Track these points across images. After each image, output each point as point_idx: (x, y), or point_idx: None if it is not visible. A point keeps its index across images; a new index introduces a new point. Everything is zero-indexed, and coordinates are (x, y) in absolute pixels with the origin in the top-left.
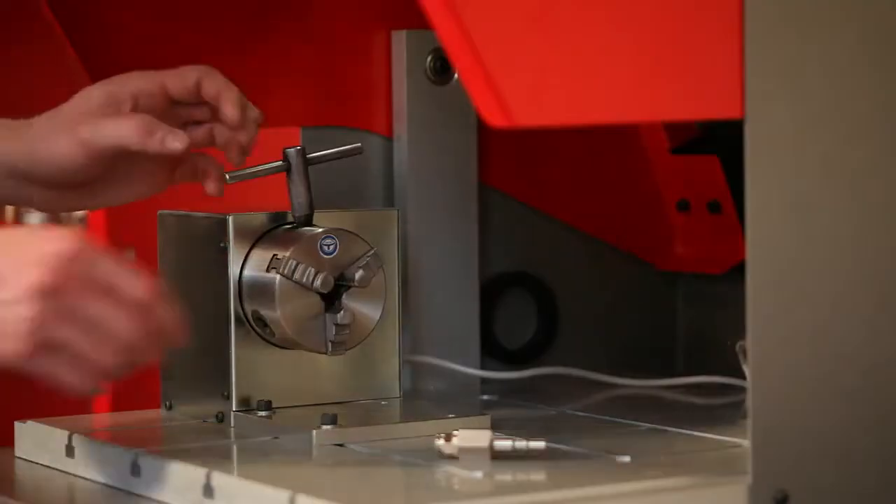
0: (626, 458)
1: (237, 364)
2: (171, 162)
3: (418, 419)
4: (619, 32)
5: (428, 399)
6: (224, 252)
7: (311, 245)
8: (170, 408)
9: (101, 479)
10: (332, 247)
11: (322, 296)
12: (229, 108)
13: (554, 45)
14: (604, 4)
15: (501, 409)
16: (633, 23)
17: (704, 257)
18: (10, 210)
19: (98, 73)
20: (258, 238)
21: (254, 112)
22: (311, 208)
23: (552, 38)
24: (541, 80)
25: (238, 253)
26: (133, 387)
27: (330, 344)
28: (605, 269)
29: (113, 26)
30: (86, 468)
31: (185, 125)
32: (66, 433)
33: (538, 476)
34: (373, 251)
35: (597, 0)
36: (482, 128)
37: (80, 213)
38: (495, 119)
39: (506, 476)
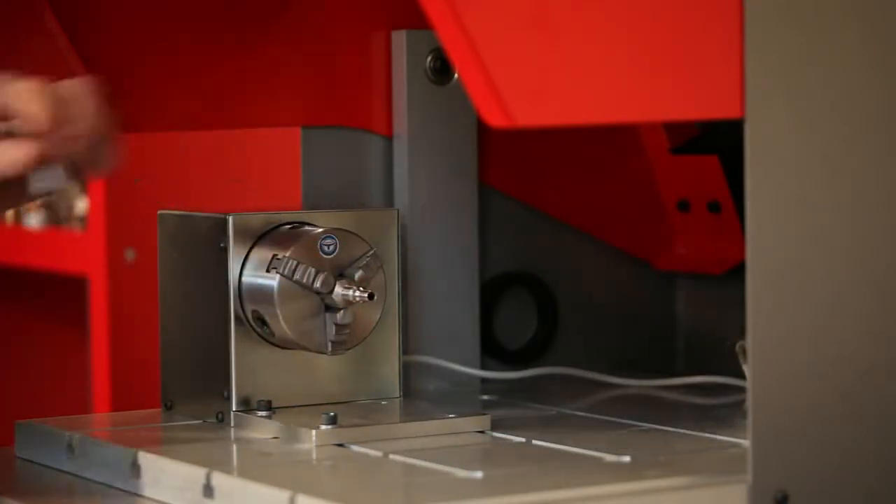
0: (626, 458)
1: (237, 364)
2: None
3: (418, 419)
4: (618, 32)
5: (428, 399)
6: (224, 252)
7: (311, 245)
8: (170, 408)
9: (101, 479)
10: (332, 247)
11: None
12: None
13: (554, 45)
14: (604, 4)
15: (501, 409)
16: (633, 23)
17: (704, 257)
18: (10, 211)
19: (99, 72)
20: (258, 238)
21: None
22: None
23: (552, 38)
24: (541, 80)
25: (238, 253)
26: (133, 387)
27: (330, 344)
28: (605, 269)
29: (114, 26)
30: (86, 468)
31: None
32: (66, 433)
33: (537, 476)
34: (373, 251)
35: (597, 0)
36: (482, 128)
37: (80, 212)
38: (495, 119)
39: (505, 476)
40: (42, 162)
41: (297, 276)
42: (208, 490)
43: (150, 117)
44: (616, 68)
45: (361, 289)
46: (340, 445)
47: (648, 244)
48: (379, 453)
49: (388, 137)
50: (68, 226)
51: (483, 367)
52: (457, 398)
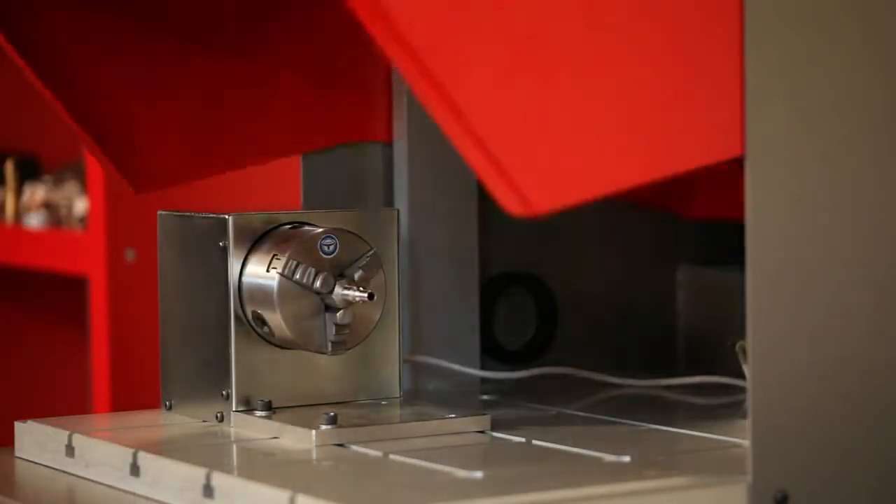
0: (626, 458)
1: (237, 364)
2: None
3: (418, 419)
4: (621, 99)
5: (428, 399)
6: (224, 252)
7: (311, 245)
8: (170, 408)
9: (101, 479)
10: (332, 247)
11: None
12: None
13: (562, 129)
14: (603, 72)
15: (501, 409)
16: (634, 85)
17: (728, 203)
18: (10, 210)
19: (96, 131)
20: (258, 238)
21: None
22: None
23: (559, 124)
24: (553, 165)
25: (238, 253)
26: (133, 387)
27: (330, 344)
28: (605, 268)
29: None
30: (86, 468)
31: None
32: (66, 433)
33: (537, 476)
34: (373, 251)
35: (596, 69)
36: None
37: (80, 212)
38: (516, 209)
39: (505, 476)
40: None
41: (297, 276)
42: (208, 490)
43: (152, 171)
44: (624, 134)
45: (361, 289)
46: (340, 445)
47: (670, 194)
48: (379, 453)
49: (388, 143)
50: (68, 226)
51: (483, 367)
52: (457, 398)
